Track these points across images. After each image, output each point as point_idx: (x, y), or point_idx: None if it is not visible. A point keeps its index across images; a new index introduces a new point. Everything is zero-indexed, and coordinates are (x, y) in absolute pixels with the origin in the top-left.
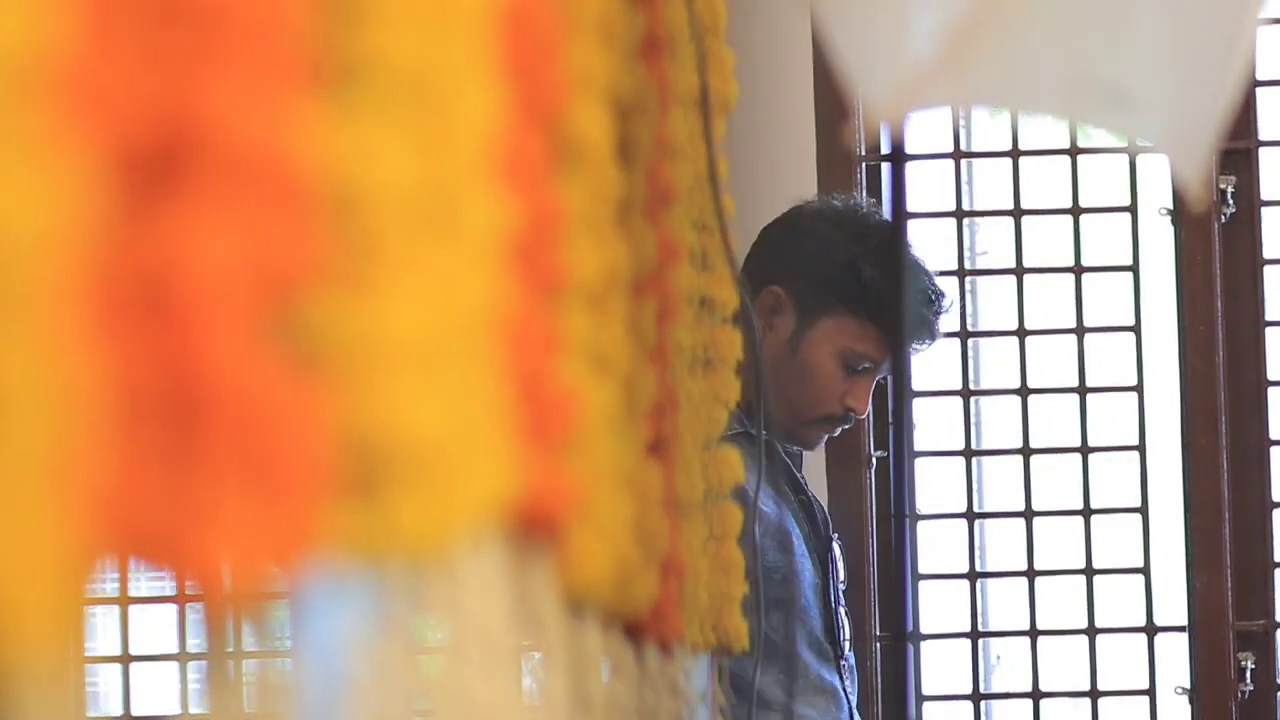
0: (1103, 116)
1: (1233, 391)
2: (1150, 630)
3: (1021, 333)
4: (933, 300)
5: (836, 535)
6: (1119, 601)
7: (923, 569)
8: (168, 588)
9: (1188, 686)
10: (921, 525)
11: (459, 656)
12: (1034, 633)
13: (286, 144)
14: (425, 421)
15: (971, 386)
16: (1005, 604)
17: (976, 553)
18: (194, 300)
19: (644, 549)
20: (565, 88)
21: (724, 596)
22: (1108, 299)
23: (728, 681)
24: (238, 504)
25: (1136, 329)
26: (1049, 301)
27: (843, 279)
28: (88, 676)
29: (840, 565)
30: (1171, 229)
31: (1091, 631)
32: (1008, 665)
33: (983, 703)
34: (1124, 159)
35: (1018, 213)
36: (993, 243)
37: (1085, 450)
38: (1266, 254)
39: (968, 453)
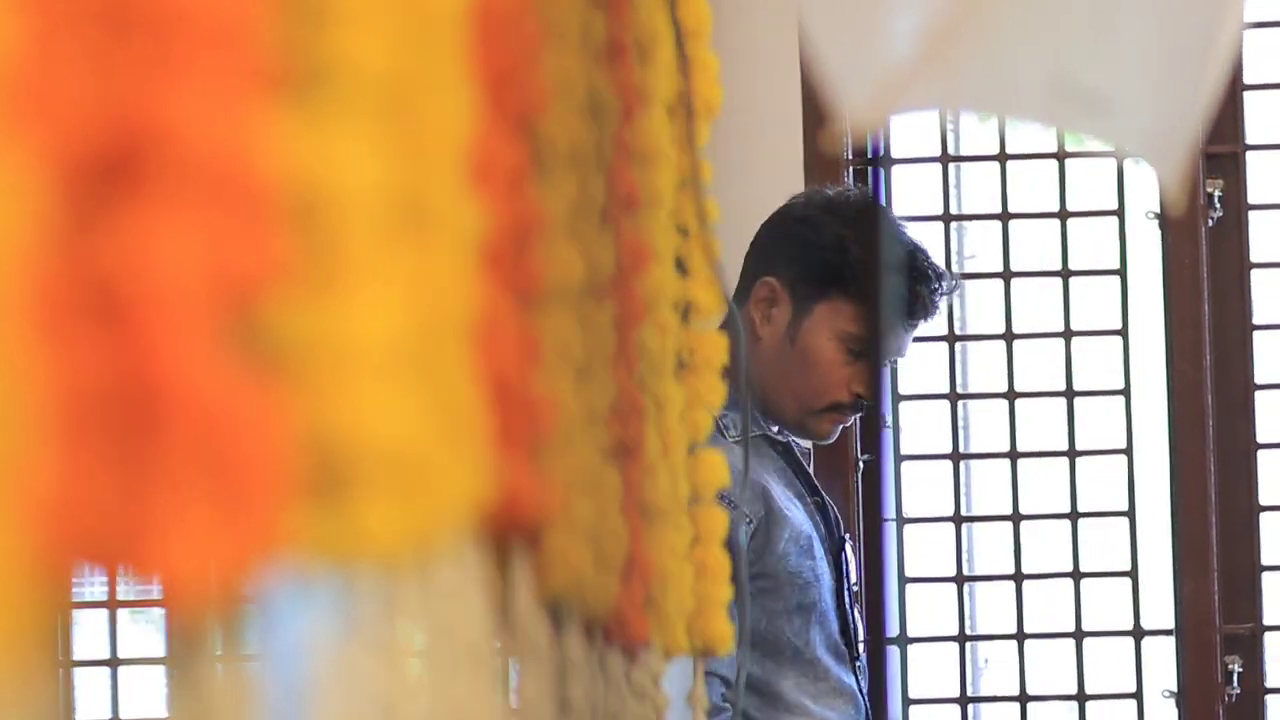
0: (1081, 121)
1: (1220, 395)
2: (1137, 634)
3: (1009, 336)
4: (931, 277)
5: (848, 536)
6: (1106, 605)
7: (911, 572)
8: (155, 591)
9: (1175, 690)
10: (909, 529)
11: (431, 660)
12: (1021, 636)
13: (245, 149)
14: (394, 425)
15: (959, 390)
16: (993, 607)
17: (964, 556)
18: (149, 306)
19: (601, 553)
20: (534, 93)
21: (707, 600)
22: (1095, 303)
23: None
24: (196, 508)
25: (1124, 333)
26: (1036, 305)
27: (833, 262)
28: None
29: (853, 566)
30: (1158, 233)
31: (1079, 635)
32: (995, 668)
33: (970, 706)
34: (1111, 163)
35: (1005, 216)
36: (980, 246)
37: (1073, 454)
38: (1253, 258)
39: (955, 456)
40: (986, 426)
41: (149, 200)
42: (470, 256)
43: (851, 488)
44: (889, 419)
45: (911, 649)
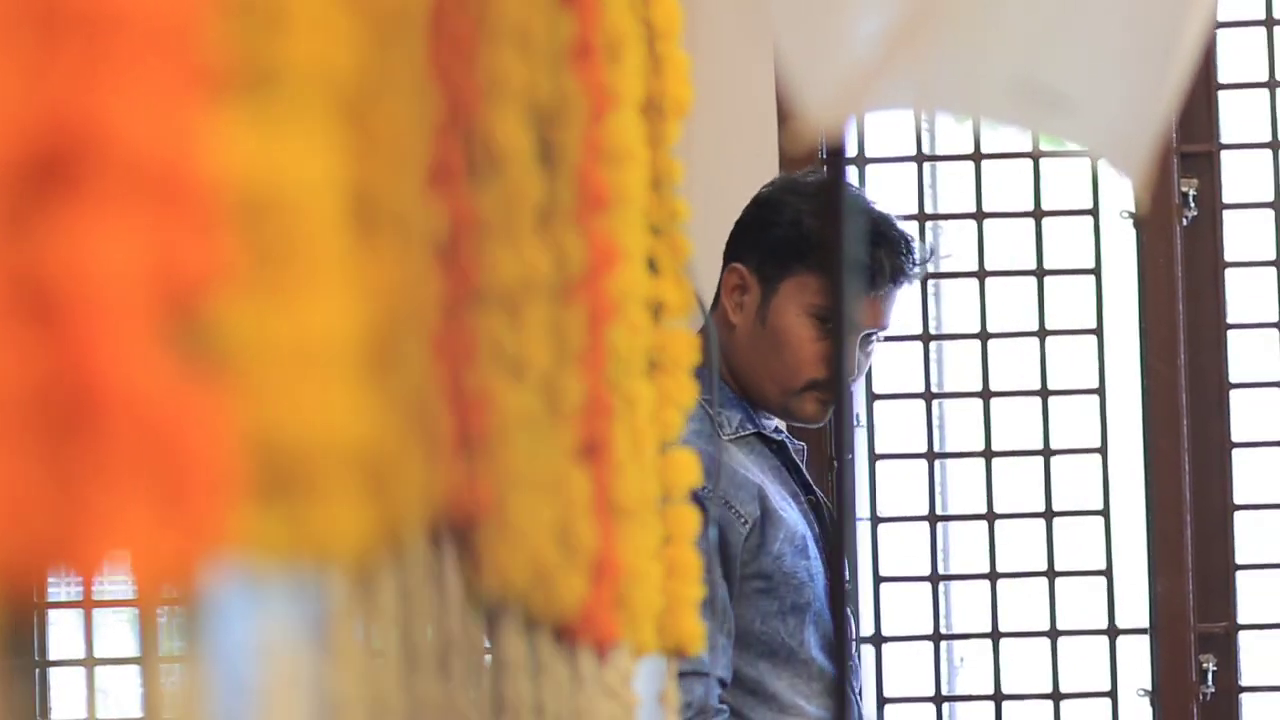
0: (1044, 121)
1: (1194, 394)
2: (1112, 632)
3: (983, 335)
4: (896, 242)
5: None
6: (1081, 604)
7: (885, 572)
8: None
9: (1149, 688)
10: (884, 528)
11: (380, 660)
12: (996, 635)
13: (187, 149)
14: (345, 426)
15: (934, 389)
16: (968, 606)
17: (939, 555)
18: (87, 306)
19: (568, 552)
20: (480, 94)
21: (677, 599)
22: (1069, 302)
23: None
24: (133, 509)
25: (1098, 332)
26: (1011, 304)
27: (791, 237)
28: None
29: (846, 565)
30: (1133, 232)
31: (1053, 634)
32: (970, 667)
33: (945, 705)
34: (1086, 163)
35: (980, 216)
36: (955, 246)
37: (1047, 453)
38: (1228, 257)
39: (930, 455)
40: (961, 425)
41: (86, 201)
42: (419, 257)
43: (828, 487)
44: (862, 418)
45: (886, 648)
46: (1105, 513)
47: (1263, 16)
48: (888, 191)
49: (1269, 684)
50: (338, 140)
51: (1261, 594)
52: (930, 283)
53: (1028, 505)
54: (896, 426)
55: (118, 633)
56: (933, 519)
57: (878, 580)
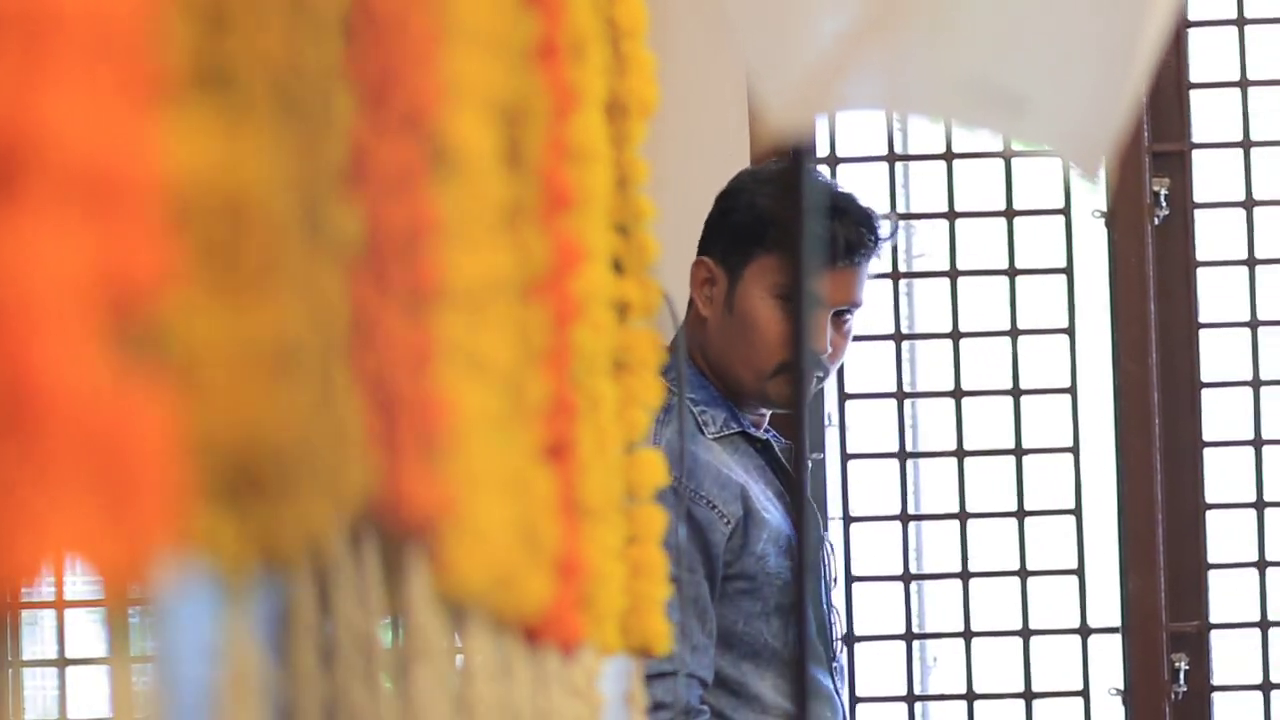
0: (1000, 121)
1: (1166, 393)
2: (1084, 632)
3: (955, 335)
4: (853, 214)
5: (827, 536)
6: (1053, 603)
7: (858, 571)
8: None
9: (1121, 688)
10: (856, 527)
11: (327, 660)
12: (968, 634)
13: (129, 151)
14: (285, 427)
15: (906, 389)
16: (941, 606)
17: (911, 555)
18: (27, 309)
19: (532, 552)
20: (439, 94)
21: (643, 599)
22: (1041, 301)
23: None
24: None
25: (1070, 331)
26: (983, 304)
27: (749, 221)
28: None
29: (832, 565)
30: (1105, 232)
31: (1026, 633)
32: (943, 666)
33: (917, 704)
34: (1058, 163)
35: (951, 215)
36: (927, 245)
37: (1019, 452)
38: (1199, 256)
39: (902, 455)
40: (933, 425)
41: (25, 203)
42: (351, 259)
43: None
44: (833, 417)
45: (858, 647)
46: (1077, 512)
47: (1233, 16)
48: (860, 191)
49: (1240, 683)
50: (283, 141)
51: (1233, 593)
52: (902, 282)
53: (1000, 504)
54: (868, 426)
55: (88, 634)
56: (905, 518)
57: (850, 580)
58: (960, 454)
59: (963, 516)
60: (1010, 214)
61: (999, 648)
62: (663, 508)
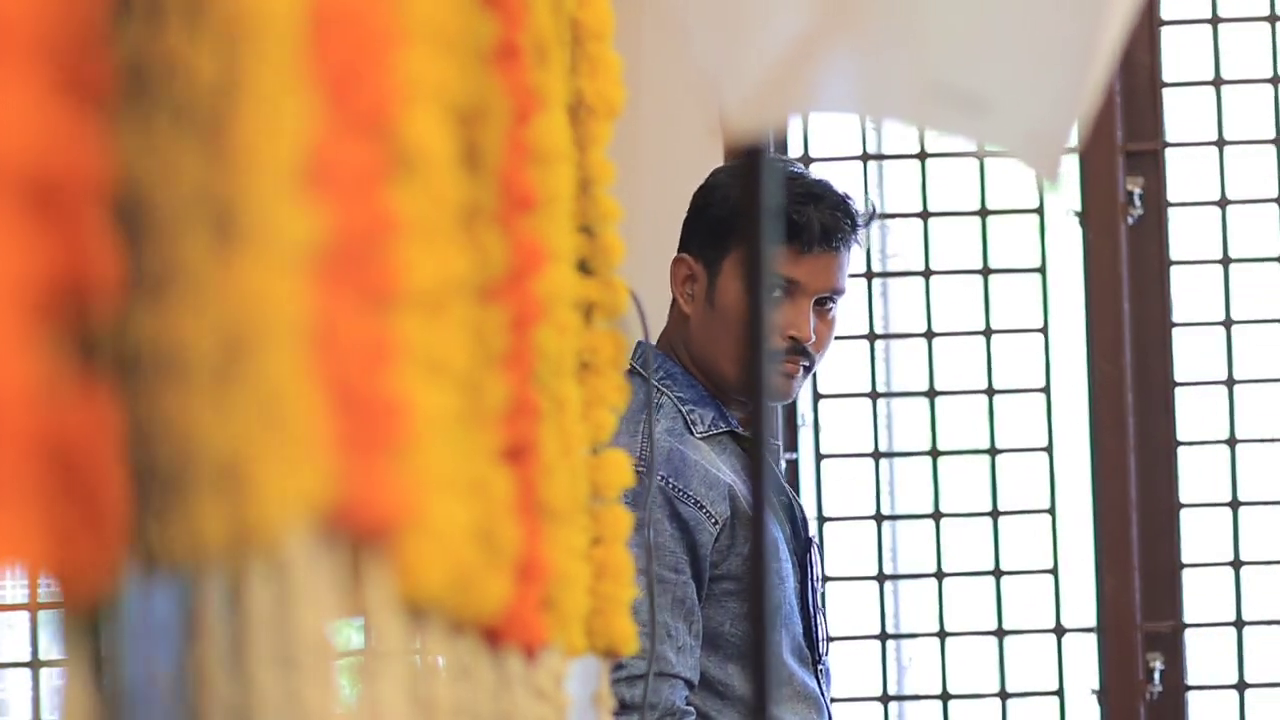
0: (957, 122)
1: (1140, 393)
2: (1059, 631)
3: (929, 335)
4: (832, 204)
5: (814, 537)
6: (1028, 603)
7: (833, 571)
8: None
9: (1097, 687)
10: (831, 527)
11: (278, 662)
12: (943, 634)
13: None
14: (225, 429)
15: (880, 388)
16: (917, 606)
17: (886, 555)
18: None
19: (492, 553)
20: (395, 95)
21: (610, 600)
22: (1015, 301)
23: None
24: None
25: (1044, 330)
26: (957, 303)
27: (724, 215)
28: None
29: (819, 567)
30: (1079, 231)
31: (1001, 633)
32: (919, 667)
33: (892, 704)
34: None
35: (925, 215)
36: (901, 245)
37: (993, 452)
38: (1173, 255)
39: (876, 454)
40: (908, 424)
41: None
42: (308, 260)
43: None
44: (807, 417)
45: (833, 648)
46: (1051, 511)
47: (1207, 15)
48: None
49: (1215, 683)
50: (220, 144)
51: (1207, 593)
52: (877, 282)
53: (974, 504)
54: (843, 426)
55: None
56: (879, 518)
57: (825, 580)
58: (935, 454)
59: (937, 516)
60: (984, 213)
61: (974, 648)
62: (651, 507)
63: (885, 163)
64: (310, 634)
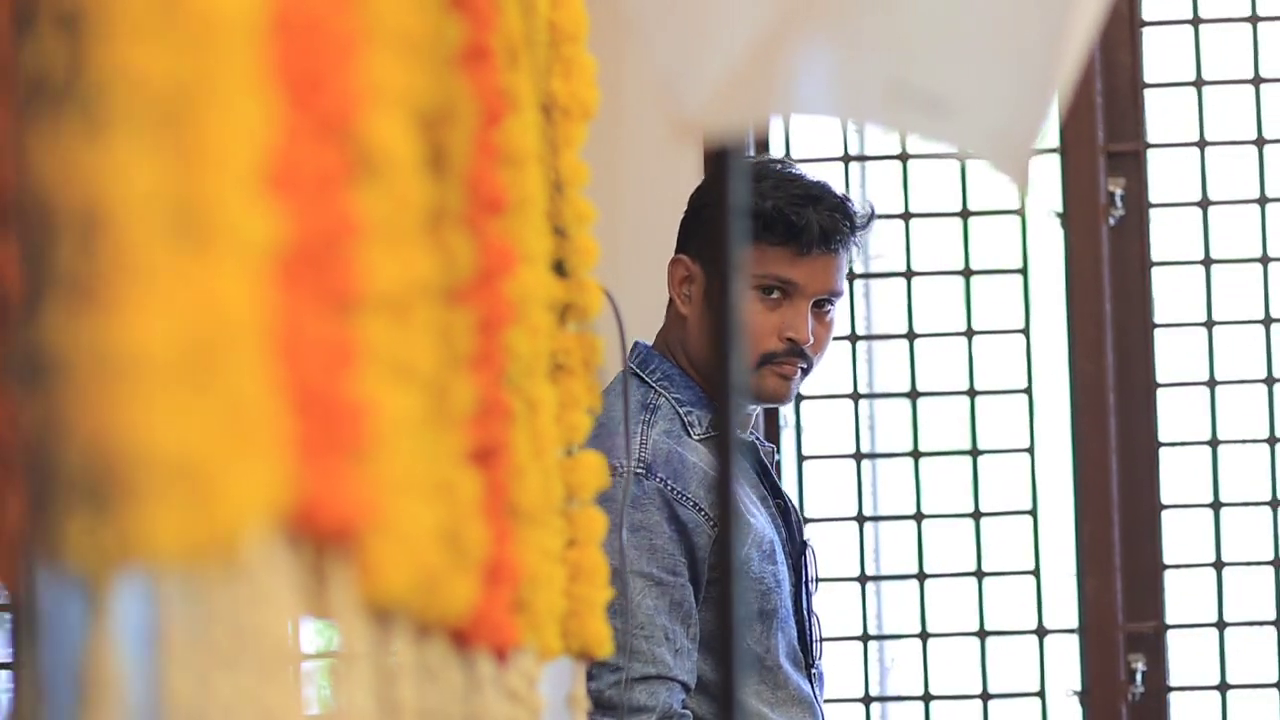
0: (922, 123)
1: (1122, 394)
2: (1041, 632)
3: (911, 335)
4: (831, 206)
5: (809, 540)
6: (1010, 604)
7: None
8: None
9: (1078, 689)
10: (813, 528)
11: (236, 665)
12: (925, 635)
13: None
14: (174, 433)
15: (862, 389)
16: (899, 607)
17: (868, 556)
18: None
19: (457, 555)
20: (358, 98)
21: (584, 602)
22: (997, 302)
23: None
24: None
25: (1026, 331)
26: (939, 304)
27: (718, 215)
28: None
29: (814, 571)
30: (1060, 232)
31: (982, 634)
32: (901, 668)
33: (874, 705)
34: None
35: (907, 216)
36: (883, 246)
37: (975, 453)
38: (1155, 256)
39: (858, 455)
40: (889, 425)
41: None
42: (260, 264)
43: None
44: (789, 418)
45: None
46: (1033, 512)
47: (1189, 16)
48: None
49: (1197, 684)
50: (164, 149)
51: (1189, 593)
52: (858, 283)
53: (956, 505)
54: (825, 427)
55: None
56: (861, 519)
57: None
58: (916, 455)
59: (919, 518)
60: (965, 214)
61: (955, 649)
62: (649, 510)
63: (867, 164)
64: (271, 637)
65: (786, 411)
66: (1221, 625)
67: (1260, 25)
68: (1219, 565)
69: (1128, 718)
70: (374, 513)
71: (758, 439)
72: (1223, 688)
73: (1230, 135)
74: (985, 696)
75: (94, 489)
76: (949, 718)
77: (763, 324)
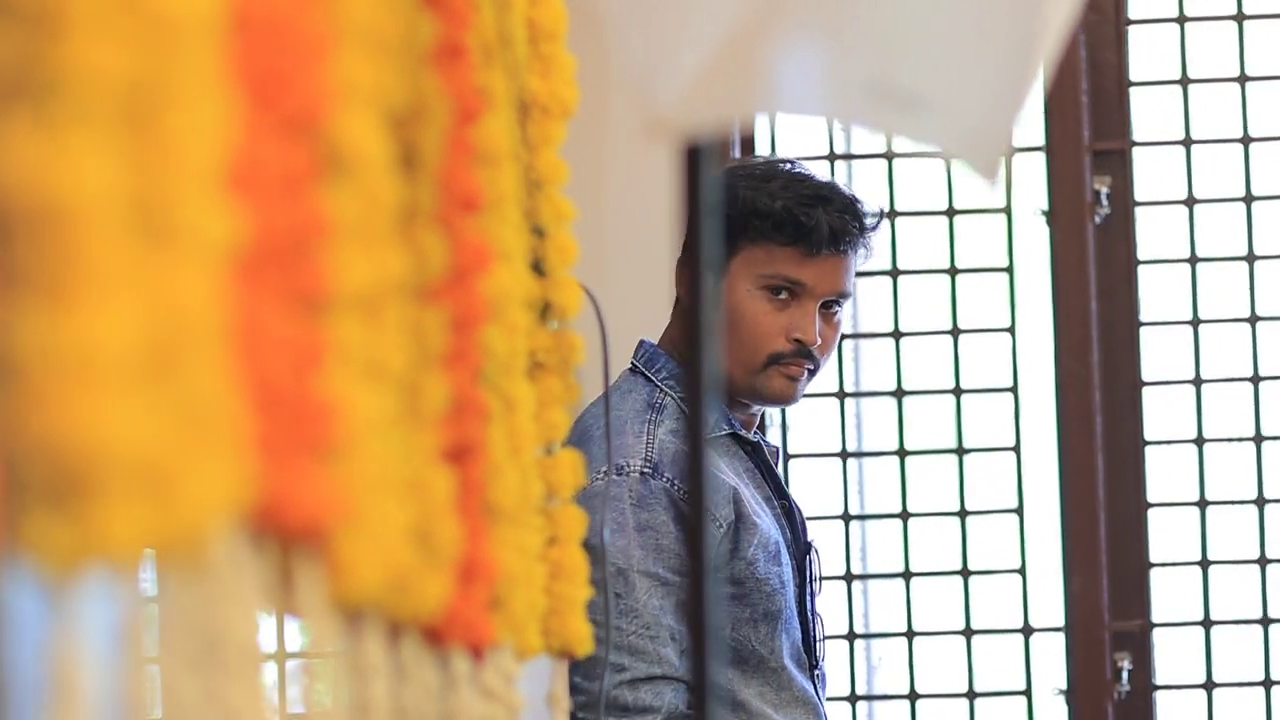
0: (897, 121)
1: (1107, 392)
2: (1027, 631)
3: (897, 334)
4: (841, 206)
5: (814, 541)
6: (996, 603)
7: None
8: None
9: (1064, 687)
10: None
11: (202, 664)
12: (910, 634)
13: None
14: (132, 431)
15: (848, 388)
16: (885, 606)
17: (855, 555)
18: None
19: (429, 553)
20: (325, 97)
21: (565, 600)
22: (983, 300)
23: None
24: None
25: (1012, 330)
26: (924, 303)
27: (731, 215)
28: None
29: (818, 572)
30: (1046, 230)
31: (968, 633)
32: (887, 666)
33: (860, 704)
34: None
35: (893, 214)
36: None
37: (961, 451)
38: (1141, 255)
39: (844, 454)
40: (875, 424)
41: None
42: (221, 262)
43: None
44: (774, 417)
45: None
46: (1019, 511)
47: (1174, 14)
48: (845, 182)
49: (1183, 682)
50: (123, 147)
51: (1175, 592)
52: None
53: (942, 504)
54: (811, 426)
55: None
56: (847, 518)
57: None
58: (902, 453)
59: (905, 516)
60: (951, 213)
61: (941, 647)
62: (656, 509)
63: (853, 162)
64: (236, 636)
65: (772, 410)
66: (1207, 624)
67: (1246, 23)
68: (1204, 564)
69: (1114, 716)
70: (343, 511)
71: (763, 440)
72: (1209, 686)
73: (1216, 133)
74: (971, 695)
75: (55, 487)
76: (935, 716)
77: (770, 324)
